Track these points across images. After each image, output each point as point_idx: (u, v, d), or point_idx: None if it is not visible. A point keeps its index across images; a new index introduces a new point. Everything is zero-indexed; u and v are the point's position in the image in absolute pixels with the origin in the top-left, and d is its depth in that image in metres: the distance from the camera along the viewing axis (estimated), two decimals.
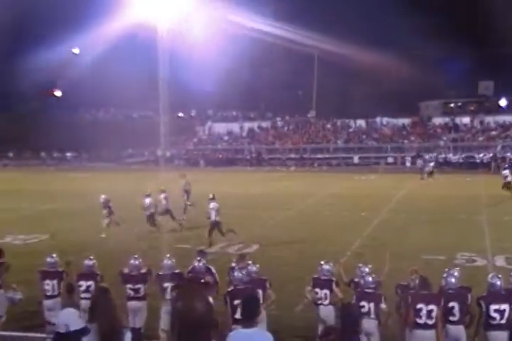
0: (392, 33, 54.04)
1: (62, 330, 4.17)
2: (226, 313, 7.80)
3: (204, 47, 49.14)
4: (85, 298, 9.02)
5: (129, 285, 9.12)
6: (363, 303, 7.99)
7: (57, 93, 68.74)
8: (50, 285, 9.31)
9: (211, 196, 17.68)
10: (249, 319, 4.98)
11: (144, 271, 9.34)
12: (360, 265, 8.78)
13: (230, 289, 8.37)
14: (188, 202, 23.32)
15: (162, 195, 20.25)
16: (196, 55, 50.66)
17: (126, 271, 9.31)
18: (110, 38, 52.11)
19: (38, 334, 8.12)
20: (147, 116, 67.28)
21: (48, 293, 9.29)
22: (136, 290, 9.13)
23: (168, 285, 8.86)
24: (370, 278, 8.32)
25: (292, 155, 57.17)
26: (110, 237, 18.29)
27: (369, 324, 7.79)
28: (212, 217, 16.98)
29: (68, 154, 60.51)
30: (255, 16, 51.98)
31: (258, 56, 59.26)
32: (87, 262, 9.56)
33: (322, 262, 9.05)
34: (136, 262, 9.34)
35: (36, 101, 66.61)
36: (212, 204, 17.21)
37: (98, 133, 57.19)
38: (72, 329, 4.34)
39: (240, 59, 57.69)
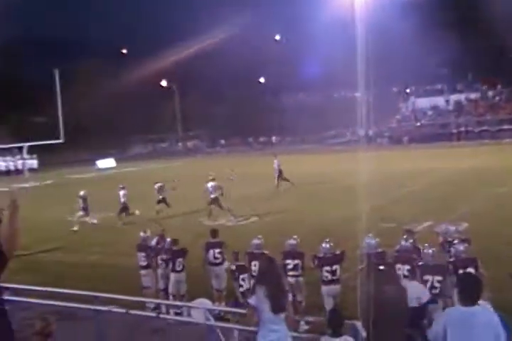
0: None
1: (414, 304, 4.34)
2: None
3: (401, 21, 47.49)
4: (292, 276, 9.38)
5: (326, 268, 9.15)
6: None
7: (261, 79, 71.46)
8: (256, 266, 9.66)
9: (210, 177, 20.78)
10: (468, 297, 4.73)
11: (338, 252, 9.35)
12: None
13: (420, 263, 8.18)
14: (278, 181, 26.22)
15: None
16: (394, 30, 49.18)
17: (320, 254, 9.34)
18: (307, 20, 52.87)
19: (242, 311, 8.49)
20: (348, 95, 67.10)
21: (255, 274, 9.68)
22: (333, 272, 9.15)
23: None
24: None
25: (505, 127, 52.95)
26: (315, 217, 18.62)
27: None
28: (212, 195, 20.02)
29: (273, 138, 62.74)
30: None
31: (460, 20, 55.56)
32: (291, 241, 9.81)
33: None
34: (328, 245, 9.36)
35: (244, 89, 69.96)
36: (210, 184, 20.31)
37: (301, 116, 58.55)
38: (423, 301, 4.52)
39: (440, 27, 54.74)
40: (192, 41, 67.61)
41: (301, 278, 9.60)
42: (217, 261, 10.80)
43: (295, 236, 10.07)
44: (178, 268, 10.61)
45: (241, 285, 9.54)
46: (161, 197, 21.23)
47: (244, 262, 9.86)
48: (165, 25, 79.69)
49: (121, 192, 21.14)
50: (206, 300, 8.06)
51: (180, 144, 65.48)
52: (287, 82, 65.45)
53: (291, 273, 9.49)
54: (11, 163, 47.69)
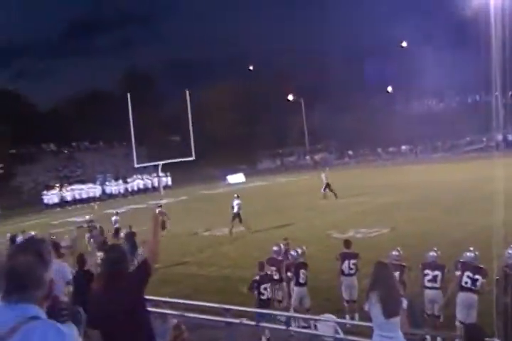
0: None
1: None
2: None
3: None
4: (430, 288, 9.11)
5: (468, 273, 8.82)
6: None
7: (389, 88, 70.13)
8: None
9: (236, 195, 23.63)
10: None
11: (481, 266, 8.95)
12: None
13: None
14: (324, 192, 29.07)
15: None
16: None
17: (462, 259, 9.07)
18: (435, 25, 51.24)
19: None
20: (482, 100, 64.00)
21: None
22: (474, 281, 8.76)
23: None
24: None
25: None
26: (454, 229, 17.79)
27: None
28: (235, 210, 22.36)
29: (403, 147, 61.10)
30: None
31: None
32: (431, 253, 9.61)
33: None
34: (472, 254, 9.01)
35: (371, 98, 69.13)
36: (235, 201, 22.74)
37: (432, 123, 56.56)
38: None
39: None
40: (316, 53, 68.06)
41: (439, 291, 9.31)
42: (352, 272, 10.84)
43: (435, 248, 9.77)
44: (301, 281, 10.62)
45: (262, 294, 10.00)
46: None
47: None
48: (288, 38, 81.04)
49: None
50: (333, 316, 7.95)
51: (307, 157, 65.72)
52: (416, 90, 63.73)
53: (429, 284, 9.30)
54: (148, 181, 50.31)
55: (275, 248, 11.58)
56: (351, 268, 10.80)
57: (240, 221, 22.37)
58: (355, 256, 10.99)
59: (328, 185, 29.39)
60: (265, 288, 10.05)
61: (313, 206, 26.83)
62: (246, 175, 52.08)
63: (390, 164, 49.09)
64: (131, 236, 17.51)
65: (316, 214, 24.19)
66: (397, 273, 9.38)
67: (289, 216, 24.40)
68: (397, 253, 9.91)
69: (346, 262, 10.84)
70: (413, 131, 56.55)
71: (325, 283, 11.77)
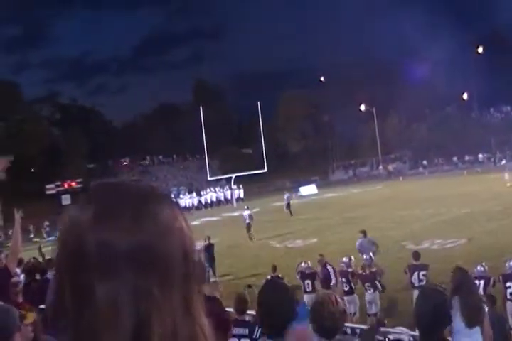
0: None
1: None
2: None
3: None
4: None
5: None
6: None
7: (464, 96, 68.25)
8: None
9: (246, 207, 26.47)
10: None
11: None
12: None
13: None
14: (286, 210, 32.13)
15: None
16: None
17: None
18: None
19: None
20: None
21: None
22: None
23: None
24: None
25: None
26: None
27: None
28: (247, 221, 24.90)
29: (480, 156, 59.06)
30: None
31: None
32: (511, 264, 9.39)
33: None
34: None
35: (445, 106, 67.61)
36: (245, 213, 25.49)
37: (511, 130, 54.56)
38: None
39: None
40: (385, 62, 67.19)
41: None
42: (422, 284, 10.60)
43: None
44: (307, 289, 11.32)
45: None
46: None
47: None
48: (359, 49, 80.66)
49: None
50: (405, 329, 7.79)
51: (380, 167, 64.75)
52: (494, 95, 61.72)
53: (511, 297, 8.96)
54: (221, 194, 50.75)
55: (344, 259, 11.72)
56: (421, 280, 10.65)
57: (249, 230, 24.52)
58: (424, 267, 10.89)
59: (288, 205, 32.62)
60: None
61: (388, 217, 26.40)
62: (318, 187, 51.78)
63: (466, 173, 47.58)
64: (209, 247, 17.84)
65: (392, 225, 23.79)
66: (481, 285, 9.09)
67: (363, 227, 24.06)
68: (481, 268, 9.57)
69: (416, 274, 10.73)
70: (491, 138, 54.73)
71: (399, 294, 11.55)
